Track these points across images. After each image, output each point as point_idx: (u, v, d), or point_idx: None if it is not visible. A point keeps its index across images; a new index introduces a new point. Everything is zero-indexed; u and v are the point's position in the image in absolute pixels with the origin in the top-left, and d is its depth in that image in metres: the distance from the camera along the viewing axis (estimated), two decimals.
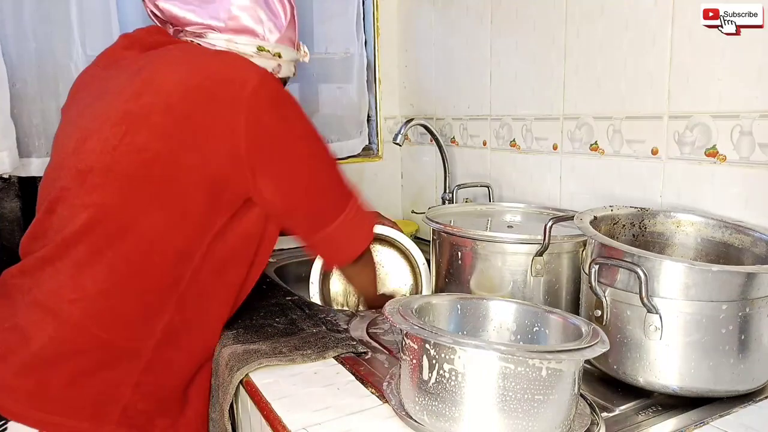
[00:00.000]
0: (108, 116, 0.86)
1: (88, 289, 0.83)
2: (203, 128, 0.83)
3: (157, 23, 0.97)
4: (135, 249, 0.84)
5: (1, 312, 0.86)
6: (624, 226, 0.92)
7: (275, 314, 1.06)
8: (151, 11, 0.95)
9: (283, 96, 0.88)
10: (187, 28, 0.93)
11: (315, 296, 1.16)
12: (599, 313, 0.76)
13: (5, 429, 0.80)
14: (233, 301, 0.97)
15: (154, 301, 0.87)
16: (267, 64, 0.95)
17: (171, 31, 0.96)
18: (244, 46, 0.93)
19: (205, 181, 0.85)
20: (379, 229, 1.15)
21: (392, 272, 1.26)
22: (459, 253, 1.01)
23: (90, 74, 0.99)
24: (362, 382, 0.80)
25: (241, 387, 0.85)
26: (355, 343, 0.92)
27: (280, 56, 0.97)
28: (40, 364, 0.81)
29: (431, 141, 1.54)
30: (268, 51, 0.95)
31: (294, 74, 1.03)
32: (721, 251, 0.88)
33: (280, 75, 0.98)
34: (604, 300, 0.75)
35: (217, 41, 0.92)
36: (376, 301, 1.13)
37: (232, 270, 0.95)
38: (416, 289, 1.25)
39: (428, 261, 1.15)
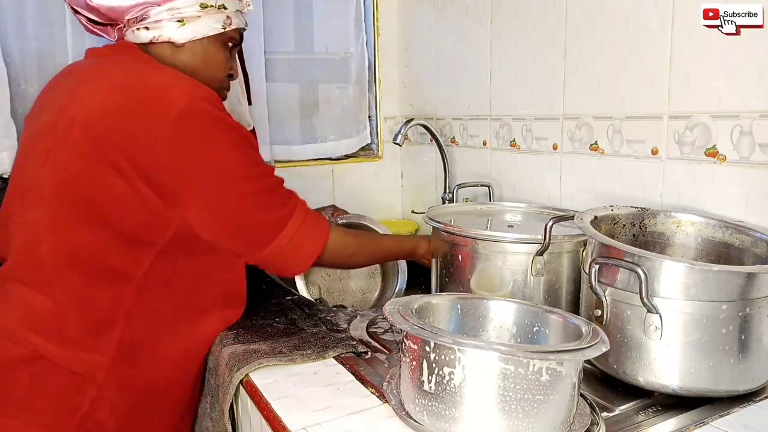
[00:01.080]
0: (40, 130, 0.88)
1: (33, 308, 0.84)
2: (123, 149, 0.82)
3: (98, 31, 0.96)
4: (71, 268, 0.84)
5: None
6: (624, 226, 0.92)
7: (275, 314, 1.05)
8: (88, 19, 0.94)
9: (212, 120, 0.85)
10: (127, 17, 0.91)
11: (303, 290, 1.18)
12: (599, 312, 0.76)
13: None
14: (192, 318, 0.94)
15: (100, 318, 0.86)
16: (216, 19, 0.95)
17: (115, 34, 0.95)
18: (187, 8, 0.92)
19: (131, 201, 0.83)
20: (356, 219, 1.23)
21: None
22: (459, 253, 1.01)
23: (52, 83, 0.99)
24: (362, 382, 0.80)
25: (241, 387, 0.85)
26: (355, 343, 0.92)
27: (224, 7, 0.95)
28: (4, 369, 0.83)
29: (431, 141, 1.53)
30: (212, 6, 0.94)
31: (245, 24, 1.01)
32: (722, 251, 0.88)
33: (232, 26, 0.97)
34: (604, 300, 0.75)
35: (161, 15, 0.91)
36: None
37: (181, 287, 0.93)
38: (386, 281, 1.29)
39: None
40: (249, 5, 1.04)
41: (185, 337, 0.95)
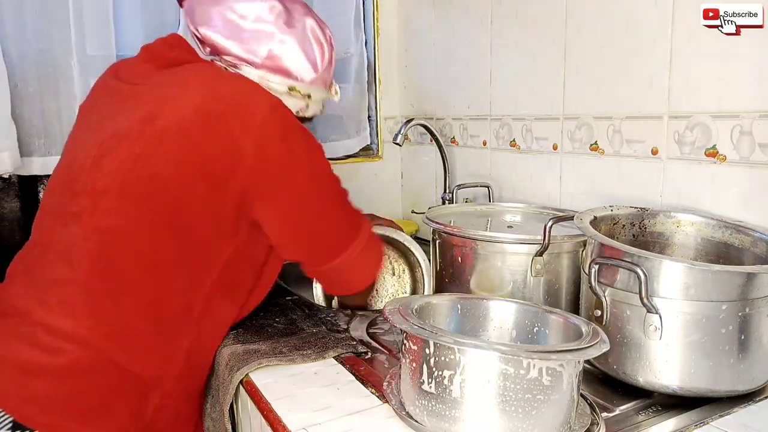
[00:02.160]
0: (124, 135, 0.85)
1: (104, 316, 0.81)
2: (212, 156, 0.83)
3: (198, 43, 0.96)
4: (146, 275, 0.84)
5: (10, 330, 0.82)
6: (624, 226, 0.92)
7: (275, 314, 1.06)
8: (195, 35, 0.95)
9: (293, 128, 0.87)
10: (225, 57, 0.92)
11: (319, 298, 1.16)
12: (599, 313, 0.76)
13: None
14: (234, 319, 0.97)
15: (171, 328, 0.87)
16: (295, 103, 0.95)
17: (206, 52, 0.94)
18: (277, 84, 0.92)
19: (212, 207, 0.84)
20: (380, 231, 1.15)
21: (391, 271, 1.26)
22: (459, 253, 1.01)
23: (110, 82, 0.97)
24: (362, 382, 0.80)
25: (241, 387, 0.85)
26: (355, 343, 0.92)
27: (309, 97, 0.97)
28: (71, 376, 0.79)
29: (431, 141, 1.53)
30: (299, 91, 0.95)
31: (321, 112, 1.03)
32: (722, 251, 0.88)
33: (308, 114, 0.98)
34: (604, 300, 0.75)
35: (250, 75, 0.91)
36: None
37: (241, 293, 0.95)
38: (415, 288, 1.25)
39: (428, 261, 1.15)
40: (337, 95, 1.05)
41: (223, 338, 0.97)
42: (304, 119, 1.01)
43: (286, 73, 0.93)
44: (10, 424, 0.77)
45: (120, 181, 0.83)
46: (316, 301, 1.15)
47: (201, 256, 0.87)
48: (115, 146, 0.85)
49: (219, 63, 0.93)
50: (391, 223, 1.20)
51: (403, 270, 1.26)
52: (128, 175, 0.83)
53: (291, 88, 0.94)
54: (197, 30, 0.92)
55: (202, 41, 0.93)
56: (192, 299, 0.88)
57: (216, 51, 0.92)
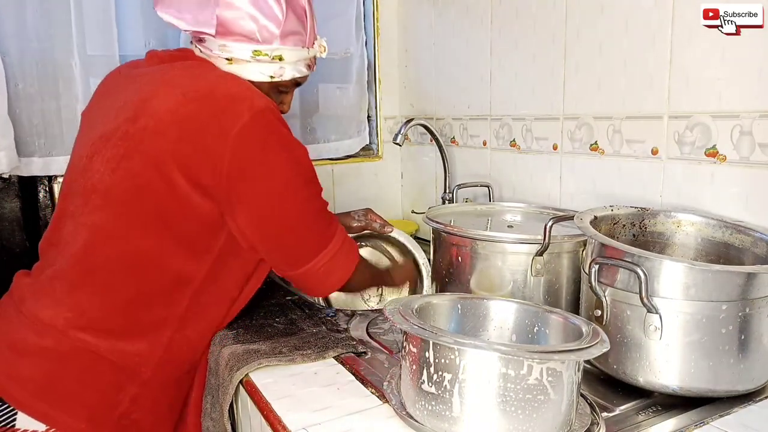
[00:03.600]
0: (110, 135, 0.87)
1: (84, 309, 0.85)
2: (191, 157, 0.82)
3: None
4: (131, 273, 0.86)
5: (11, 311, 0.88)
6: (624, 226, 0.92)
7: (275, 314, 1.06)
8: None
9: (273, 136, 0.85)
10: (194, 36, 0.92)
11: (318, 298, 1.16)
12: (599, 313, 0.76)
13: (14, 420, 0.82)
14: (224, 316, 0.98)
15: (154, 322, 0.88)
16: (267, 68, 0.92)
17: (194, 43, 0.94)
18: (239, 51, 0.89)
19: (196, 207, 0.84)
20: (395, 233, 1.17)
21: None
22: (459, 253, 1.01)
23: (111, 82, 0.99)
24: (362, 382, 0.80)
25: (241, 387, 0.85)
26: (355, 343, 0.92)
27: (281, 59, 0.92)
28: (52, 359, 0.84)
29: (431, 141, 1.53)
30: (266, 55, 0.90)
31: (307, 72, 0.98)
32: (722, 251, 0.88)
33: (284, 77, 0.94)
34: (604, 300, 0.75)
35: (213, 46, 0.90)
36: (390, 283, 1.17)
37: (232, 289, 0.96)
38: (415, 288, 1.25)
39: (428, 261, 1.15)
40: (324, 50, 1.00)
41: (214, 331, 0.98)
42: (295, 84, 0.98)
43: (244, 37, 0.89)
44: None
45: (106, 180, 0.85)
46: (316, 302, 1.15)
47: (189, 253, 0.87)
48: (103, 146, 0.87)
49: (194, 45, 0.93)
50: (385, 223, 1.20)
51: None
52: (113, 174, 0.85)
53: (256, 53, 0.90)
54: (163, 17, 0.91)
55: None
56: (179, 295, 0.89)
57: (180, 29, 0.92)
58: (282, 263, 0.93)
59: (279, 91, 0.97)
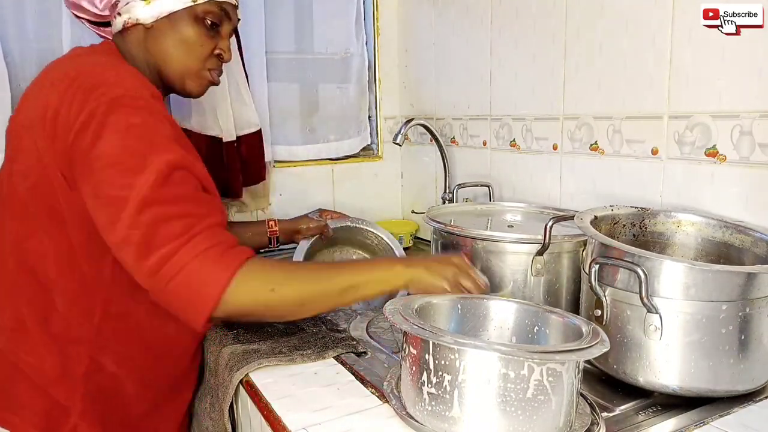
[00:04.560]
0: (8, 132, 0.88)
1: (5, 321, 0.86)
2: (57, 150, 0.79)
3: (93, 29, 0.98)
4: (38, 280, 0.84)
5: None
6: (624, 225, 0.92)
7: None
8: (77, 16, 0.95)
9: (117, 106, 0.77)
10: (99, 9, 0.91)
11: None
12: (599, 312, 0.76)
13: None
14: (164, 326, 0.90)
15: (71, 329, 0.86)
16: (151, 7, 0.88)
17: (108, 31, 0.95)
18: (173, 3, 0.87)
19: (77, 202, 0.80)
20: (347, 222, 1.18)
21: None
22: (459, 253, 1.00)
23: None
24: (362, 382, 0.80)
25: (241, 387, 0.85)
26: (355, 342, 0.92)
27: None
28: (2, 370, 0.85)
29: (431, 141, 1.53)
30: None
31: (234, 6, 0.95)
32: (722, 251, 0.88)
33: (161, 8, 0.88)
34: (604, 300, 0.75)
35: (127, 2, 0.88)
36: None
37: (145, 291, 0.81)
38: None
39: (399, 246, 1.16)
40: None
41: (155, 340, 0.93)
42: (217, 20, 0.92)
43: None
44: None
45: (6, 185, 0.85)
46: None
47: (88, 253, 0.83)
48: (6, 147, 0.87)
49: (115, 24, 0.91)
50: (343, 216, 1.20)
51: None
52: (10, 179, 0.84)
53: None
54: (68, 7, 0.93)
55: (90, 16, 0.94)
56: (89, 301, 0.85)
57: (90, 8, 0.91)
58: (129, 261, 0.77)
59: (211, 27, 0.92)
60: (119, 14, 0.90)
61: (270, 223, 1.19)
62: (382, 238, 1.24)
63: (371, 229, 1.25)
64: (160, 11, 0.88)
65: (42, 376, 0.85)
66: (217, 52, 0.94)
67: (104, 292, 0.86)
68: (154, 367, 0.94)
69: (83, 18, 0.97)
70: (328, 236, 1.19)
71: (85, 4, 0.91)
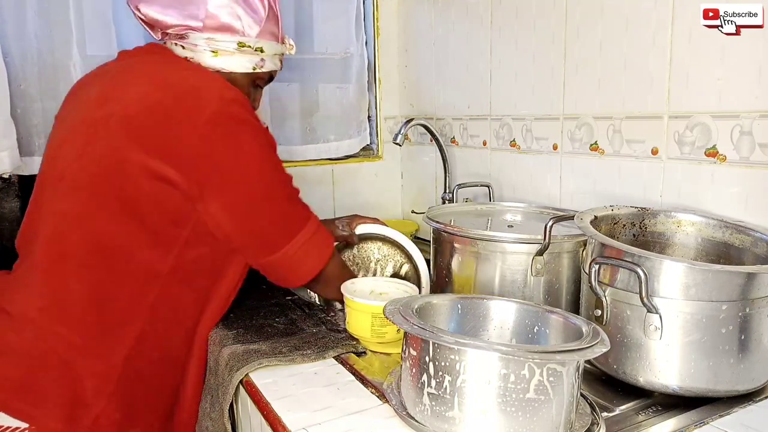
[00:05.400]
0: (76, 123, 0.89)
1: (55, 297, 0.86)
2: (156, 145, 0.84)
3: (147, 28, 0.98)
4: (99, 260, 0.86)
5: None
6: (624, 225, 0.92)
7: (275, 314, 1.05)
8: (139, 17, 0.96)
9: (242, 123, 0.88)
10: (169, 31, 0.94)
11: (317, 297, 1.16)
12: (599, 312, 0.76)
13: None
14: (200, 313, 0.97)
15: (123, 311, 0.88)
16: (249, 59, 0.96)
17: (158, 35, 0.97)
18: (225, 43, 0.93)
19: (161, 195, 0.86)
20: (376, 229, 1.15)
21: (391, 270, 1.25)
22: (459, 253, 1.01)
23: (80, 83, 1.01)
24: (362, 382, 0.80)
25: (241, 387, 0.85)
26: (355, 342, 0.92)
27: (262, 51, 0.97)
28: (28, 360, 0.84)
29: (431, 141, 1.53)
30: (249, 47, 0.95)
31: (280, 68, 1.04)
32: (722, 251, 0.88)
33: (264, 69, 0.99)
34: (604, 300, 0.75)
35: (198, 41, 0.93)
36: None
37: (201, 280, 0.95)
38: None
39: (428, 261, 1.15)
40: (292, 48, 1.04)
41: (192, 327, 0.98)
42: (268, 79, 1.03)
43: (230, 29, 0.93)
44: None
45: (74, 167, 0.87)
46: (316, 302, 1.15)
47: (155, 242, 0.88)
48: (70, 135, 0.89)
49: (171, 44, 0.95)
50: (377, 221, 1.19)
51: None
52: (79, 161, 0.86)
53: (240, 45, 0.94)
54: (138, 9, 0.93)
55: (149, 23, 0.95)
56: (147, 285, 0.89)
57: (160, 26, 0.94)
58: (255, 250, 0.94)
59: (255, 85, 1.02)
60: (182, 47, 0.94)
61: None
62: (405, 248, 1.20)
63: (395, 239, 1.19)
64: (222, 66, 0.95)
65: (83, 355, 0.86)
66: (252, 98, 1.03)
67: (163, 279, 0.90)
68: (188, 355, 0.98)
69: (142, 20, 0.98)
70: (354, 244, 1.19)
71: (150, 20, 0.94)
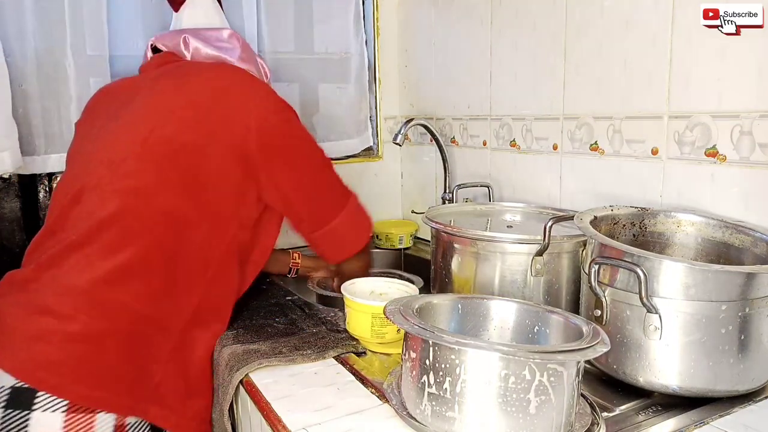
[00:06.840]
0: (136, 118, 0.94)
1: (122, 270, 0.86)
2: (220, 123, 0.92)
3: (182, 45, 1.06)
4: (166, 233, 0.90)
5: (18, 302, 0.86)
6: (624, 226, 0.92)
7: (275, 314, 1.06)
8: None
9: (284, 103, 0.99)
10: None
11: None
12: (599, 312, 0.76)
13: (27, 421, 0.80)
14: (238, 289, 1.03)
15: (185, 282, 0.92)
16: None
17: (188, 56, 1.05)
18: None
19: (225, 170, 0.93)
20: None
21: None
22: (459, 253, 1.01)
23: (109, 92, 1.06)
24: (362, 382, 0.80)
25: (241, 387, 0.85)
26: (355, 342, 0.92)
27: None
28: (82, 341, 0.83)
29: (431, 141, 1.53)
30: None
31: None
32: (722, 251, 0.88)
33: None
34: (604, 300, 0.75)
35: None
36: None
37: (244, 257, 1.02)
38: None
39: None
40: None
41: (234, 298, 1.03)
42: None
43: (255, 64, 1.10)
44: (6, 398, 0.81)
45: (138, 148, 0.91)
46: (315, 302, 1.15)
47: (218, 217, 0.94)
48: (130, 128, 0.93)
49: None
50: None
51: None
52: (145, 142, 0.91)
53: None
54: (186, 42, 1.06)
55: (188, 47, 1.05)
56: (208, 259, 0.94)
57: (199, 56, 1.06)
58: (315, 219, 1.03)
59: None
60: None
61: (295, 255, 1.32)
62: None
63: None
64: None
65: (147, 323, 0.88)
66: None
67: (222, 251, 0.96)
68: (226, 321, 1.01)
69: None
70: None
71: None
